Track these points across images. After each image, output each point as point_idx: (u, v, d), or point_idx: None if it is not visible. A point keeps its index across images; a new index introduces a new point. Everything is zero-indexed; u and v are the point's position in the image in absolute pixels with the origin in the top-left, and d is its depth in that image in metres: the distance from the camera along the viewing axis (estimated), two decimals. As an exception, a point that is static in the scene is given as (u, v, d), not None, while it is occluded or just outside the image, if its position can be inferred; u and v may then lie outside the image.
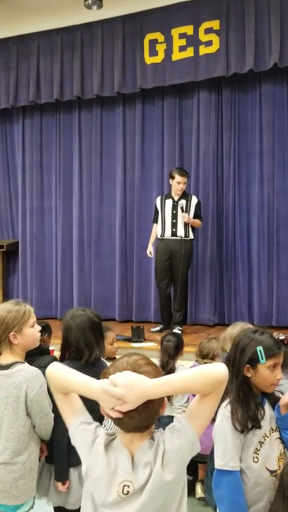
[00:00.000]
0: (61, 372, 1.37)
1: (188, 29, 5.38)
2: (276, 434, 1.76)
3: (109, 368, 1.31)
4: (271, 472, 1.69)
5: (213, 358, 3.12)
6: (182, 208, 5.08)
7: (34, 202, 6.50)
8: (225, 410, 1.71)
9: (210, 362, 2.99)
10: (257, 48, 5.07)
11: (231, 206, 5.61)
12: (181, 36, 5.41)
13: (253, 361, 1.71)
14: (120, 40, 5.72)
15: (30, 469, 2.06)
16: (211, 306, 5.62)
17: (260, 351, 1.70)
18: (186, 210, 5.12)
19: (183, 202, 5.12)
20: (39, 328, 2.20)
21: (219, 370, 1.25)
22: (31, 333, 2.12)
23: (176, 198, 5.16)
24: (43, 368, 2.20)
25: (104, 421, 1.88)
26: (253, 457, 1.68)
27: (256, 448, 1.69)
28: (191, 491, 3.07)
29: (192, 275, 5.63)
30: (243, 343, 1.74)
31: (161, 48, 5.53)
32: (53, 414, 2.09)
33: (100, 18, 5.74)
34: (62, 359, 2.29)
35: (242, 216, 5.61)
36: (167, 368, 3.16)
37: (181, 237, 5.09)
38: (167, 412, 2.78)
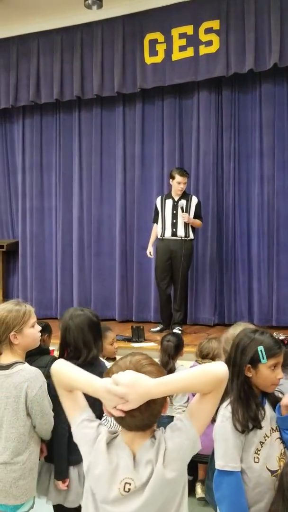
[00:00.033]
0: (65, 369, 1.39)
1: (188, 29, 5.38)
2: (277, 434, 1.77)
3: (112, 367, 1.32)
4: (272, 472, 1.69)
5: (213, 358, 3.12)
6: (182, 208, 5.08)
7: (34, 202, 6.50)
8: (226, 410, 1.71)
9: (210, 362, 2.98)
10: (257, 48, 5.07)
11: (231, 206, 5.61)
12: (181, 36, 5.41)
13: (254, 361, 1.71)
14: (120, 40, 5.72)
15: (30, 469, 2.06)
16: (211, 306, 5.62)
17: (261, 351, 1.70)
18: (187, 210, 5.12)
19: (183, 202, 5.12)
20: (40, 328, 2.21)
21: (219, 369, 1.27)
22: (32, 333, 2.12)
23: (176, 198, 5.15)
24: (43, 368, 2.21)
25: (103, 419, 1.88)
26: (254, 457, 1.68)
27: (257, 448, 1.69)
28: (191, 491, 3.07)
29: (192, 275, 5.62)
30: (244, 343, 1.75)
31: (161, 48, 5.53)
32: (53, 413, 2.09)
33: (100, 18, 5.74)
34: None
35: (242, 216, 5.61)
36: (167, 368, 3.16)
37: (181, 237, 5.09)
38: (167, 412, 2.78)
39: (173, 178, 5.12)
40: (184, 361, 3.51)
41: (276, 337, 1.80)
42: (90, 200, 6.27)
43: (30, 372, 2.04)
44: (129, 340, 4.82)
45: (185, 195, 5.18)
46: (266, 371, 1.71)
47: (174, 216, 5.12)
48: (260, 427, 1.69)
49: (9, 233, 6.88)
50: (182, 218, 5.06)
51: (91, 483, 1.30)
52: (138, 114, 5.99)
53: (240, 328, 2.16)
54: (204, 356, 3.17)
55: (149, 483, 1.23)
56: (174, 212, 5.13)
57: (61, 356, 2.31)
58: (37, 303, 6.14)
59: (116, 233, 6.10)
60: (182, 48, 5.41)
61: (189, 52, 5.38)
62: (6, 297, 6.45)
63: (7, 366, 2.05)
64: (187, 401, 3.04)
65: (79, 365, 1.93)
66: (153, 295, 5.84)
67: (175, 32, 5.44)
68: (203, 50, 5.32)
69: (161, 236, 5.18)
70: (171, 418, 2.83)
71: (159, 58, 5.54)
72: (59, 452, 2.19)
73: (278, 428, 1.77)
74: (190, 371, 1.31)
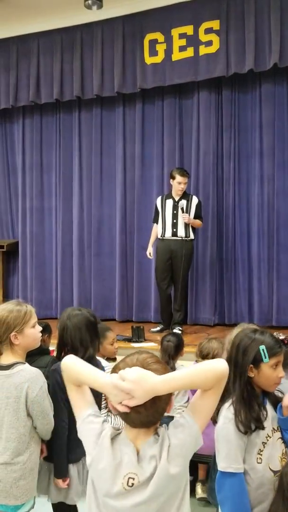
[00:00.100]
0: (74, 364, 1.42)
1: (188, 29, 5.38)
2: (278, 434, 1.77)
3: (119, 364, 1.35)
4: (275, 472, 1.69)
5: (213, 358, 3.12)
6: (182, 209, 5.08)
7: (34, 202, 6.50)
8: (228, 412, 1.71)
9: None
10: (257, 48, 5.07)
11: (231, 206, 5.61)
12: (181, 36, 5.41)
13: (256, 361, 1.72)
14: (120, 40, 5.71)
15: (31, 469, 2.06)
16: (211, 306, 5.62)
17: (263, 350, 1.71)
18: (187, 210, 5.12)
19: (183, 203, 5.12)
20: (40, 328, 2.21)
21: (220, 366, 1.31)
22: (32, 334, 2.12)
23: (176, 198, 5.15)
24: (43, 368, 2.22)
25: (103, 415, 1.89)
26: (257, 458, 1.68)
27: (260, 449, 1.69)
28: (192, 491, 3.07)
29: (192, 275, 5.62)
30: (245, 343, 1.75)
31: (161, 48, 5.53)
32: (53, 412, 2.10)
33: (100, 18, 5.74)
34: (58, 358, 2.31)
35: (242, 216, 5.61)
36: (167, 368, 3.16)
37: (181, 237, 5.09)
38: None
39: (173, 178, 5.12)
40: (184, 361, 3.51)
41: (276, 337, 1.81)
42: (90, 200, 6.27)
43: (30, 373, 2.04)
44: (129, 340, 4.82)
45: (185, 195, 5.18)
46: (268, 370, 1.72)
47: (175, 216, 5.12)
48: (263, 428, 1.69)
49: (9, 233, 6.88)
50: (182, 218, 5.06)
51: (94, 477, 1.32)
52: (138, 114, 5.99)
53: (244, 330, 2.15)
54: (204, 356, 3.17)
55: (153, 478, 1.25)
56: (175, 212, 5.12)
57: (58, 356, 2.32)
58: (37, 303, 6.14)
59: (116, 233, 6.10)
60: (182, 48, 5.41)
61: (189, 52, 5.38)
62: (6, 297, 6.45)
63: (8, 367, 2.05)
64: (187, 401, 3.04)
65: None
66: (153, 295, 5.84)
67: (175, 32, 5.44)
68: (203, 50, 5.32)
69: (161, 236, 5.18)
70: (171, 418, 2.83)
71: (159, 58, 5.54)
72: (59, 451, 2.21)
73: (279, 428, 1.78)
74: (192, 368, 1.35)
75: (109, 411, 2.51)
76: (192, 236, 5.17)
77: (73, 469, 2.25)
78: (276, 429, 1.77)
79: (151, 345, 4.56)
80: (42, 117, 6.51)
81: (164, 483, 1.26)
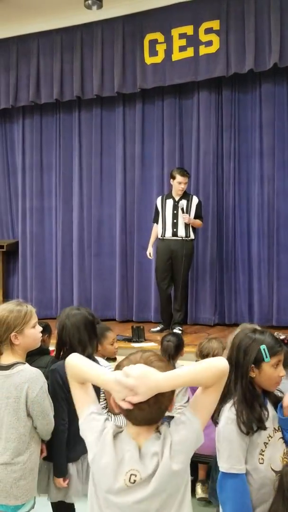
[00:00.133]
0: (79, 362, 1.43)
1: (188, 29, 5.38)
2: (279, 434, 1.77)
3: (123, 361, 1.36)
4: (277, 472, 1.69)
5: (213, 358, 3.12)
6: (182, 209, 5.08)
7: (34, 202, 6.50)
8: (230, 412, 1.70)
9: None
10: (257, 48, 5.07)
11: (231, 206, 5.60)
12: (181, 36, 5.41)
13: (257, 361, 1.72)
14: (120, 40, 5.71)
15: (31, 469, 2.06)
16: (211, 306, 5.62)
17: (264, 349, 1.71)
18: (187, 210, 5.11)
19: (184, 203, 5.12)
20: (41, 328, 2.21)
21: (221, 363, 1.33)
22: (32, 334, 2.12)
23: (177, 198, 5.15)
24: (43, 368, 2.22)
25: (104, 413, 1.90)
26: (259, 459, 1.68)
27: (262, 449, 1.69)
28: (192, 491, 3.05)
29: (192, 275, 5.62)
30: (245, 343, 1.75)
31: (161, 48, 5.53)
32: (53, 412, 2.10)
33: (100, 18, 5.73)
34: (57, 357, 2.32)
35: (242, 216, 5.61)
36: (167, 368, 3.16)
37: (182, 237, 5.08)
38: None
39: (173, 178, 5.12)
40: (184, 361, 3.50)
41: (277, 337, 1.81)
42: (90, 200, 6.27)
43: (30, 373, 2.04)
44: (129, 340, 4.81)
45: (185, 195, 5.18)
46: (269, 369, 1.72)
47: (175, 216, 5.12)
48: (265, 428, 1.69)
49: (9, 233, 6.87)
50: (182, 218, 5.06)
51: (95, 473, 1.33)
52: (138, 114, 5.99)
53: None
54: (204, 356, 3.16)
55: (156, 475, 1.26)
56: (175, 212, 5.12)
57: (57, 355, 2.32)
58: (37, 303, 6.13)
59: (116, 233, 6.10)
60: (182, 48, 5.41)
61: (189, 52, 5.38)
62: (6, 297, 6.45)
63: (8, 367, 2.05)
64: (187, 401, 3.04)
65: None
66: (153, 295, 5.84)
67: (175, 32, 5.44)
68: (203, 50, 5.31)
69: (161, 236, 5.18)
70: (171, 419, 2.84)
71: (159, 58, 5.54)
72: (59, 450, 2.22)
73: (280, 428, 1.78)
74: (194, 366, 1.36)
75: (109, 411, 2.51)
76: (192, 236, 5.17)
77: (72, 467, 2.26)
78: (277, 429, 1.77)
79: (151, 345, 4.56)
80: (42, 117, 6.50)
81: (167, 480, 1.26)
